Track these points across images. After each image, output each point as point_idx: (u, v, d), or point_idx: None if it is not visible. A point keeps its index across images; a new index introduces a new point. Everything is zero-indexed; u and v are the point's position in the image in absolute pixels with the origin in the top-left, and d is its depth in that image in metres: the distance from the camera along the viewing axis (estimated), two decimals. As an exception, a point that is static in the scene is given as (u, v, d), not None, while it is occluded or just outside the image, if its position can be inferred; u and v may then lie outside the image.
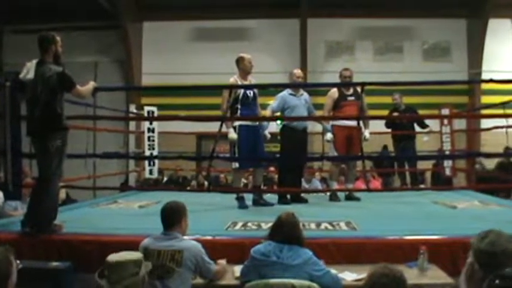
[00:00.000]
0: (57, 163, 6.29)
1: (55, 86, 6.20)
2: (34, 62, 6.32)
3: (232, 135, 8.50)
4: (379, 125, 11.72)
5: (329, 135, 9.61)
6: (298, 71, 9.81)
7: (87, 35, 20.14)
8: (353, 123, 9.17)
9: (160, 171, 15.31)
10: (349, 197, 9.76)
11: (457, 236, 5.69)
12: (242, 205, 8.57)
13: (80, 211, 8.68)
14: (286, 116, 9.26)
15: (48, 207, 6.25)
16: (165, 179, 16.35)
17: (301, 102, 9.35)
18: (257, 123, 8.87)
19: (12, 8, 18.82)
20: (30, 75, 6.23)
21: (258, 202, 8.81)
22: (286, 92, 9.39)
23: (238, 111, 8.62)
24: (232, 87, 8.51)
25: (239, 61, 8.89)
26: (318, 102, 10.41)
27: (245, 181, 15.09)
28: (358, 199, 9.66)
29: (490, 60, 19.26)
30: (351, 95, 9.61)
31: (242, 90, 8.60)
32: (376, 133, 11.32)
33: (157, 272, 4.50)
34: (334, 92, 9.72)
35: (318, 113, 10.49)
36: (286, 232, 4.54)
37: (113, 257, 4.00)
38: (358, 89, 9.37)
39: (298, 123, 9.35)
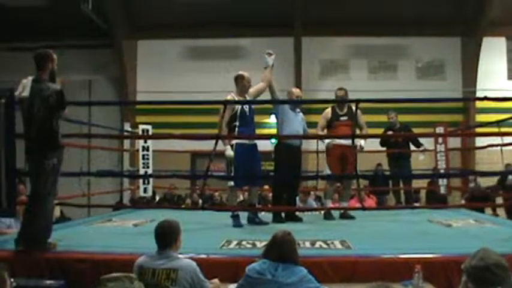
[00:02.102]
0: (52, 181, 6.28)
1: (54, 104, 6.19)
2: (30, 78, 6.30)
3: (229, 152, 8.47)
4: (373, 144, 11.70)
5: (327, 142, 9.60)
6: (297, 90, 9.87)
7: (82, 53, 20.13)
8: (346, 142, 9.18)
9: (153, 192, 15.27)
10: (344, 216, 9.74)
11: (452, 255, 5.68)
12: (237, 223, 8.54)
13: (74, 229, 8.65)
14: (283, 130, 9.20)
15: (42, 226, 6.23)
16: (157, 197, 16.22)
17: (298, 118, 9.38)
18: (254, 141, 8.86)
19: (5, 25, 18.85)
20: (26, 92, 6.21)
21: (253, 221, 8.76)
22: (286, 105, 9.37)
23: (236, 129, 8.62)
24: (226, 103, 8.43)
25: (239, 79, 8.84)
26: (312, 120, 10.40)
27: (241, 198, 15.06)
28: (352, 218, 9.63)
29: (485, 78, 19.27)
30: (344, 115, 9.62)
31: (240, 108, 8.60)
32: (370, 151, 11.33)
33: (151, 291, 4.49)
34: (327, 112, 9.77)
35: (311, 131, 10.51)
36: (281, 250, 4.52)
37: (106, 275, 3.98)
38: (353, 107, 9.37)
39: (294, 140, 9.35)
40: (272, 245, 4.63)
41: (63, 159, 6.44)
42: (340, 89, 9.91)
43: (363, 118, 9.79)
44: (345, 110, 9.67)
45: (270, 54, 9.21)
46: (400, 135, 12.01)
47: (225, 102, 8.40)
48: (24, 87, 6.26)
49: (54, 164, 6.25)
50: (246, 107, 8.70)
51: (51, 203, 6.42)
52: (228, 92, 8.94)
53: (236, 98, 8.74)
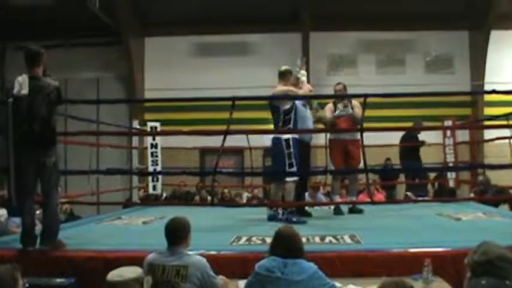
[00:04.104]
0: (55, 178, 6.31)
1: (54, 100, 6.20)
2: (25, 76, 6.23)
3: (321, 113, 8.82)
4: (382, 138, 11.65)
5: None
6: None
7: (90, 51, 20.10)
8: (348, 136, 9.31)
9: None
10: (353, 210, 9.74)
11: (462, 248, 5.63)
12: (298, 220, 8.35)
13: (83, 227, 8.67)
14: (297, 126, 9.16)
15: (50, 222, 6.25)
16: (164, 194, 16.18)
17: (307, 114, 9.35)
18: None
19: (14, 24, 18.88)
20: (25, 90, 6.15)
21: (291, 220, 8.33)
22: (298, 102, 9.33)
23: (291, 123, 8.59)
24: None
25: (287, 73, 8.83)
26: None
27: (249, 195, 15.06)
28: (361, 211, 9.64)
29: (493, 72, 19.19)
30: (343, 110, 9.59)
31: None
32: (379, 146, 11.32)
33: (162, 287, 4.49)
34: (329, 107, 9.76)
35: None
36: (286, 245, 4.49)
37: (113, 276, 3.98)
38: (354, 101, 9.43)
39: (305, 136, 9.32)
40: (276, 241, 4.60)
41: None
42: (338, 83, 9.92)
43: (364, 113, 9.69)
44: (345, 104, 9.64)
45: (303, 65, 9.23)
46: (411, 128, 12.02)
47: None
48: (21, 85, 6.19)
49: (54, 161, 6.27)
50: (300, 103, 8.75)
51: (56, 198, 6.45)
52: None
53: None
